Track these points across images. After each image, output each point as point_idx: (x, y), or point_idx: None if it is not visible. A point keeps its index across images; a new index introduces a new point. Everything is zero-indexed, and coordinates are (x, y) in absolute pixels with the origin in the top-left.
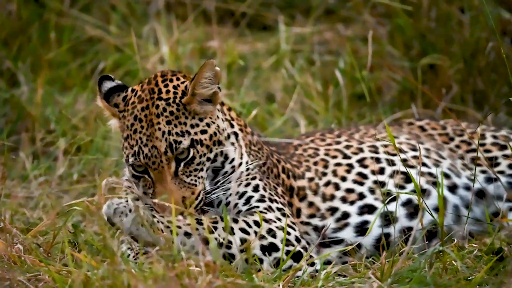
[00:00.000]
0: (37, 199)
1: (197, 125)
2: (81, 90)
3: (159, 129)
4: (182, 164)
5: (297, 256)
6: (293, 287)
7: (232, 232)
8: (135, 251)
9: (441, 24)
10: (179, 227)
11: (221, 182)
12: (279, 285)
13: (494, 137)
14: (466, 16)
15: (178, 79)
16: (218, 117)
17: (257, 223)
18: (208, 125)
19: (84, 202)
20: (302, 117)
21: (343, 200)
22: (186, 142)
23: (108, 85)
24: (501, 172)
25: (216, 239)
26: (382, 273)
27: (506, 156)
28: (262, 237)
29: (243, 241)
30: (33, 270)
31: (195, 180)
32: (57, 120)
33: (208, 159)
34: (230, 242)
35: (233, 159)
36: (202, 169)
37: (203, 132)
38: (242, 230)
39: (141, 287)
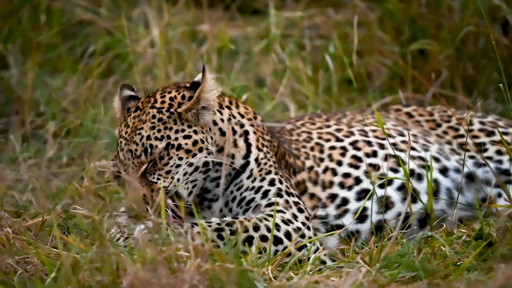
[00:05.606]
0: (26, 182)
1: (183, 131)
2: (71, 73)
3: (139, 133)
4: (150, 164)
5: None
6: (281, 271)
7: (251, 243)
8: (124, 235)
9: (431, 10)
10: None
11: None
12: (267, 269)
13: (482, 123)
14: (456, 1)
15: (177, 91)
16: (210, 129)
17: (276, 225)
18: (195, 132)
19: (73, 185)
20: (292, 101)
21: (341, 185)
22: (161, 145)
23: (127, 92)
24: (489, 158)
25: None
26: (370, 258)
27: (494, 142)
28: (279, 241)
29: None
30: (22, 253)
31: (158, 178)
32: (46, 103)
33: (190, 164)
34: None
35: (232, 162)
36: (176, 172)
37: (187, 137)
38: (262, 237)
39: (129, 270)
